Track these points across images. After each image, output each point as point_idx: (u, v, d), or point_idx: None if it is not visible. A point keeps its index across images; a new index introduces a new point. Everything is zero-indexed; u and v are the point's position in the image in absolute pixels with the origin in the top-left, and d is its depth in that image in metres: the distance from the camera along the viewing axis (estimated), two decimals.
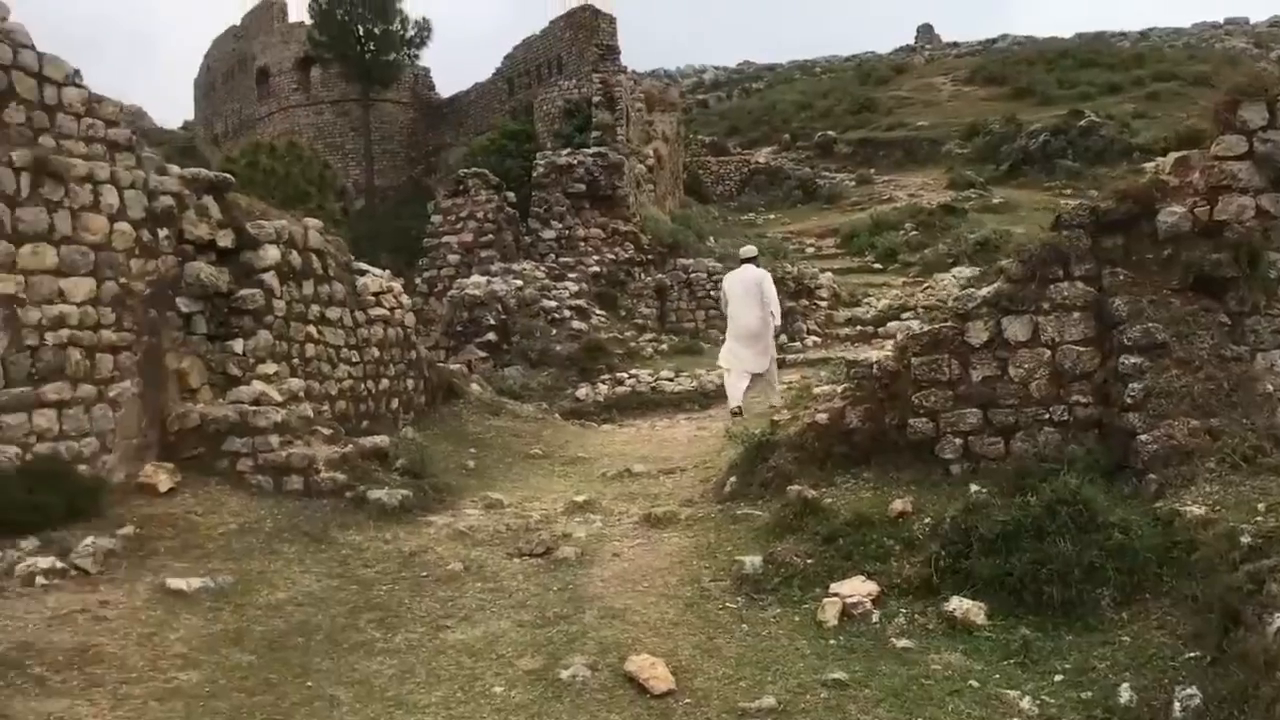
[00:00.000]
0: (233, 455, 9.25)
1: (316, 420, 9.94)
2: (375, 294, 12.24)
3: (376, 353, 12.12)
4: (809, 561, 7.35)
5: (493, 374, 17.00)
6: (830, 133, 52.86)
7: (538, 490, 10.43)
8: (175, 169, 9.85)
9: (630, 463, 11.46)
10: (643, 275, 22.70)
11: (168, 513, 8.44)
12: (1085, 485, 6.63)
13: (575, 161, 22.72)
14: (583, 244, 22.46)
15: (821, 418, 8.89)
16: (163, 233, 9.52)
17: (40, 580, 6.94)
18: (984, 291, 8.30)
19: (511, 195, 22.22)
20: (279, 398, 9.74)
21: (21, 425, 8.06)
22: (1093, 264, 8.01)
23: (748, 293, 13.25)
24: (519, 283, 19.72)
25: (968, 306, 8.25)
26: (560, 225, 22.43)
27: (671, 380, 17.88)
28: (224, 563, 7.68)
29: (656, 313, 22.28)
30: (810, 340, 20.85)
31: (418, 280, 22.33)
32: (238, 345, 9.96)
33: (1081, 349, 7.90)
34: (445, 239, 21.67)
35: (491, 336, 18.45)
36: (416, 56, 55.06)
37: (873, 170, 47.53)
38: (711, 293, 22.46)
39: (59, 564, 7.17)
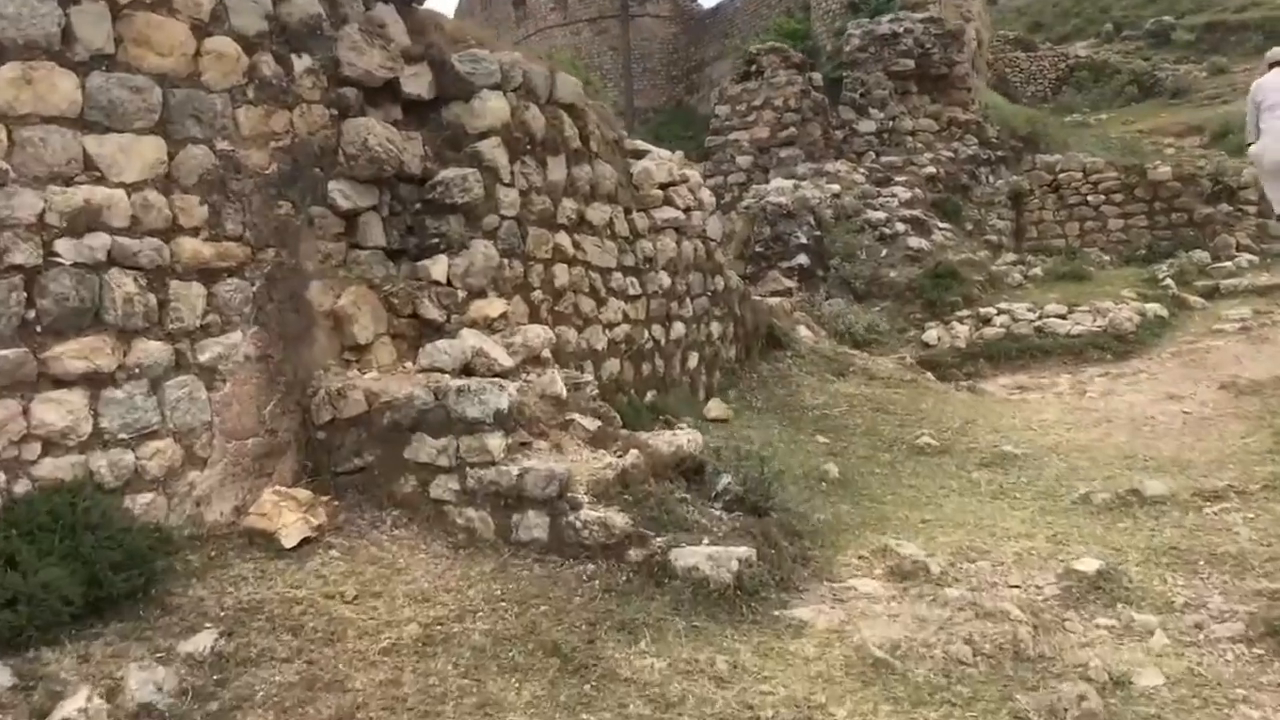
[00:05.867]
0: (422, 470, 4.97)
1: (573, 401, 5.49)
2: (662, 185, 7.68)
3: (666, 280, 7.61)
4: None
5: (810, 308, 12.20)
6: (1166, 18, 44.52)
7: (971, 530, 5.60)
8: None
9: (1119, 470, 6.47)
10: (990, 178, 17.15)
11: (289, 595, 4.29)
12: None
13: (901, 30, 17.26)
14: (910, 139, 17.12)
15: None
16: (300, 63, 5.27)
17: None
18: None
19: (818, 77, 17.12)
20: (506, 360, 5.36)
21: (10, 422, 4.02)
22: None
23: None
24: (834, 188, 14.77)
25: None
26: (881, 115, 17.15)
27: (1064, 318, 12.48)
28: None
29: (1011, 225, 16.73)
30: (1244, 259, 14.75)
31: None
32: (437, 267, 5.68)
33: None
34: (734, 135, 16.90)
35: (802, 259, 13.61)
36: None
37: (1224, 58, 39.30)
38: (1089, 198, 16.67)
39: None
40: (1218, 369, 10.25)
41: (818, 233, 13.95)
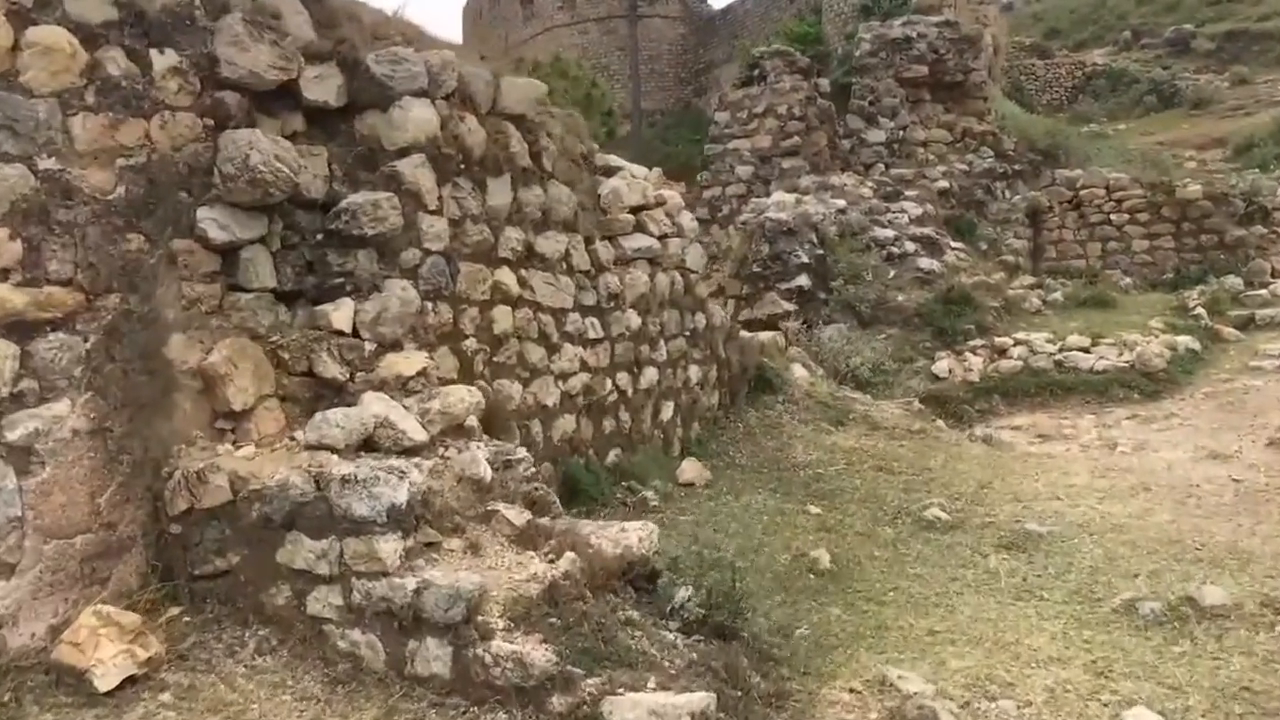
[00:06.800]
0: (298, 579, 3.95)
1: (500, 484, 4.42)
2: (633, 209, 6.63)
3: (635, 320, 6.55)
4: None
5: (808, 342, 11.13)
6: (1186, 26, 43.44)
7: (990, 649, 4.53)
8: None
9: (1166, 562, 5.41)
10: (1007, 193, 16.05)
11: None
12: None
13: (914, 34, 16.16)
14: (922, 150, 16.03)
15: None
16: (163, 60, 4.24)
17: None
18: None
19: (824, 82, 16.05)
20: (419, 432, 4.32)
21: None
22: None
23: None
24: (839, 202, 13.70)
25: None
26: (891, 124, 16.07)
27: (1087, 352, 11.42)
28: None
29: (1029, 245, 15.64)
30: None
31: (696, 209, 16.62)
32: (340, 313, 4.64)
33: None
34: (733, 144, 15.83)
35: (803, 280, 12.57)
36: None
37: (1246, 68, 38.26)
38: (1112, 217, 15.55)
39: None
40: (1260, 416, 9.23)
41: (820, 251, 12.90)
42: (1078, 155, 17.52)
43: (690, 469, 6.48)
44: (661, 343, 6.83)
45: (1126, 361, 11.12)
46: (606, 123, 39.30)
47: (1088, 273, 14.95)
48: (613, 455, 6.22)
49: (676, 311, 7.03)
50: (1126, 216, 15.41)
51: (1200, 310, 12.71)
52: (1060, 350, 11.50)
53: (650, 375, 6.68)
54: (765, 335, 8.71)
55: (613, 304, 6.29)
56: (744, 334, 8.23)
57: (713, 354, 7.46)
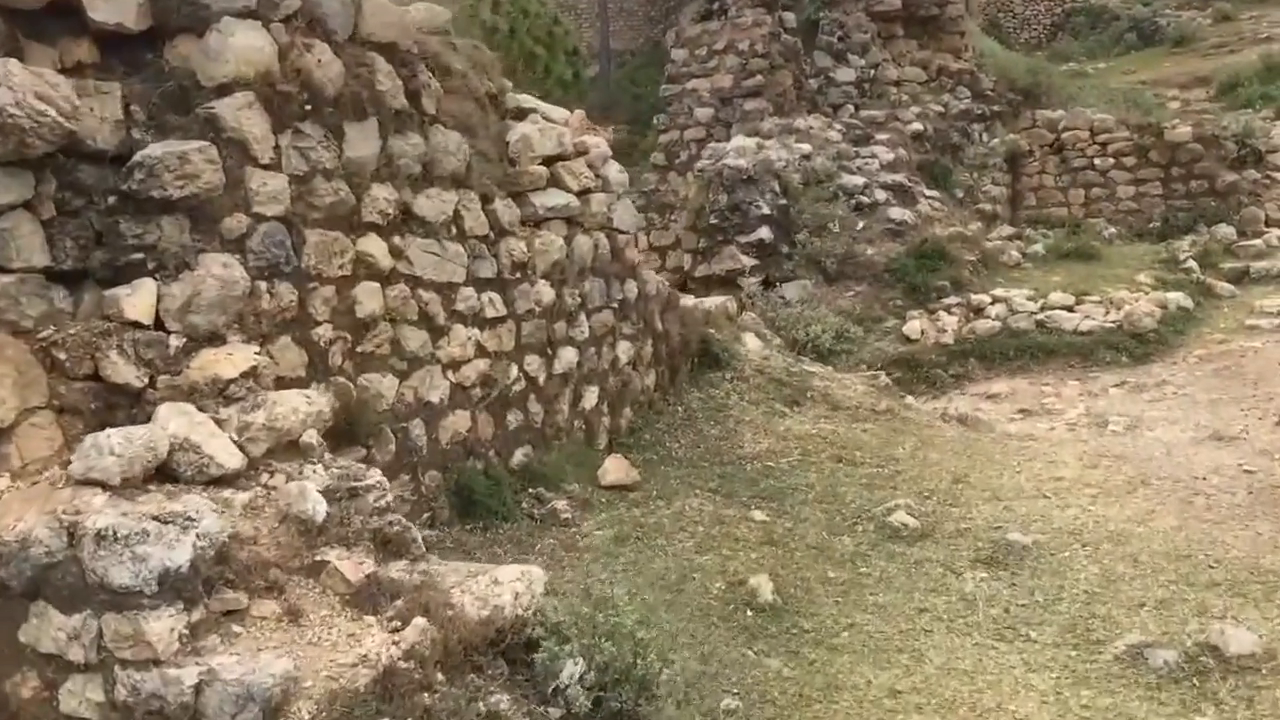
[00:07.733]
0: (47, 665, 2.96)
1: (337, 521, 3.42)
2: (547, 160, 5.56)
3: (548, 293, 5.52)
4: None
5: (765, 305, 10.15)
6: None
7: (964, 718, 3.60)
8: None
9: (1176, 587, 4.53)
10: (984, 136, 15.00)
11: None
12: None
13: None
14: (894, 90, 14.94)
15: None
16: None
17: None
18: None
19: (790, 17, 14.87)
20: (232, 456, 3.34)
21: None
22: None
23: None
24: (804, 148, 12.64)
25: None
26: (862, 62, 14.95)
27: (1070, 310, 10.51)
28: None
29: (1007, 192, 14.64)
30: (1275, 235, 12.71)
31: (653, 155, 15.50)
32: (136, 299, 3.61)
33: None
34: (691, 84, 14.67)
35: (764, 233, 11.55)
36: None
37: (1229, 4, 37.23)
38: (1096, 161, 14.55)
39: None
40: (1262, 384, 8.37)
41: (783, 201, 11.87)
42: (1059, 95, 16.46)
43: (615, 468, 5.51)
44: (582, 318, 5.80)
45: (1113, 321, 10.24)
46: (572, 63, 37.78)
47: (1070, 221, 13.98)
48: (520, 455, 5.24)
49: (601, 280, 6.00)
50: (1111, 160, 14.41)
51: (1192, 263, 11.79)
52: (1042, 309, 10.58)
53: (568, 357, 5.66)
54: (711, 302, 7.68)
55: (518, 274, 5.26)
56: (686, 301, 7.22)
57: (647, 327, 6.45)
